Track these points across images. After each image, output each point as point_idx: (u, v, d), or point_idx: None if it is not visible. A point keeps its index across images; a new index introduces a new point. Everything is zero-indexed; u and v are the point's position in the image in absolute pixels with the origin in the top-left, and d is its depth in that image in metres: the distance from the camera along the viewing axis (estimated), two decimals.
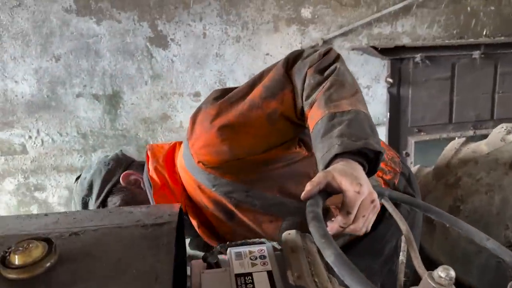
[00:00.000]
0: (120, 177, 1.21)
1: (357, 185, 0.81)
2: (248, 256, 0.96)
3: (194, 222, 1.19)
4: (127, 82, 2.49)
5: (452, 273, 0.77)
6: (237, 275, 0.89)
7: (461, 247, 1.45)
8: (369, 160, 0.93)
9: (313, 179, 0.83)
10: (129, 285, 0.61)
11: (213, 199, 1.13)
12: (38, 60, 2.40)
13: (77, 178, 1.26)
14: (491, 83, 2.69)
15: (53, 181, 2.60)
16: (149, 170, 1.15)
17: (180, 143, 1.21)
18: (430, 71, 2.60)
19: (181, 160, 1.14)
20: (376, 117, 2.74)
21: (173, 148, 1.22)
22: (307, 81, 1.00)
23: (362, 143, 0.88)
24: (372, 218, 0.85)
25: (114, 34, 2.44)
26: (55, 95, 2.45)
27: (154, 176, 1.14)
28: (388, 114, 2.62)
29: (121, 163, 1.24)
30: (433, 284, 0.77)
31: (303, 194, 0.81)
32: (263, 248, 0.98)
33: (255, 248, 0.98)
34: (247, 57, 2.61)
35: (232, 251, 0.97)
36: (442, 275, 0.76)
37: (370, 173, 0.95)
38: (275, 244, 1.00)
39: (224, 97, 1.07)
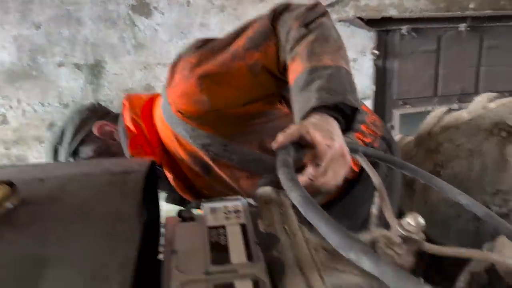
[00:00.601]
0: (94, 127, 1.18)
1: (328, 139, 0.81)
2: (222, 210, 0.95)
3: (169, 175, 1.18)
4: (109, 52, 2.44)
5: (421, 220, 0.77)
6: (210, 227, 0.89)
7: (440, 211, 1.47)
8: (346, 116, 0.92)
9: (286, 130, 0.82)
10: (91, 226, 0.60)
11: (190, 152, 1.12)
12: (17, 27, 2.34)
13: (50, 127, 1.22)
14: (477, 56, 2.69)
15: (35, 152, 2.57)
16: (125, 119, 1.12)
17: (159, 95, 1.18)
18: (416, 43, 2.58)
19: (159, 111, 1.12)
20: (362, 91, 2.73)
21: (152, 99, 1.19)
22: (291, 34, 0.98)
23: (339, 98, 0.87)
24: (342, 173, 0.85)
25: (96, 2, 2.38)
26: (36, 64, 2.40)
27: (131, 125, 1.11)
28: (374, 86, 2.61)
29: (96, 112, 1.21)
30: (402, 232, 0.77)
31: (274, 143, 0.80)
32: (238, 203, 0.97)
33: (230, 203, 0.97)
34: (232, 27, 2.56)
35: (206, 206, 0.97)
36: (411, 222, 0.77)
37: (346, 130, 0.94)
38: (250, 200, 0.99)
39: (206, 46, 1.04)
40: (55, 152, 1.18)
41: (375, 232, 0.83)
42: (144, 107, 1.16)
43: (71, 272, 0.53)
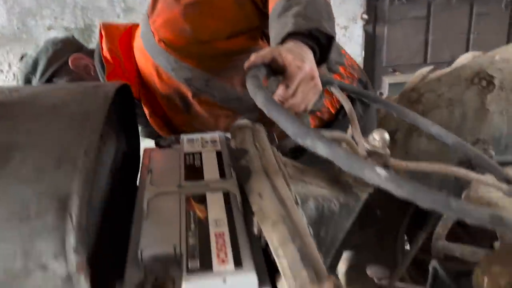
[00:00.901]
0: (68, 59, 1.18)
1: (299, 61, 0.83)
2: (200, 140, 0.98)
3: (147, 110, 1.19)
4: (99, 15, 2.44)
5: (386, 136, 0.79)
6: (186, 153, 0.91)
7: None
8: (321, 46, 0.94)
9: (259, 52, 0.84)
10: (60, 120, 0.62)
11: (170, 86, 1.12)
12: None
13: (22, 57, 1.21)
14: (467, 23, 2.70)
15: None
16: (102, 50, 1.13)
17: (137, 26, 1.18)
18: (406, 9, 2.58)
19: (139, 41, 1.11)
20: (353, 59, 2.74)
21: (130, 30, 1.18)
22: None
23: (314, 24, 0.89)
24: (311, 96, 0.87)
25: None
26: (25, 27, 2.40)
27: (108, 56, 1.11)
28: (363, 52, 2.62)
29: (71, 45, 1.21)
30: (368, 146, 0.80)
31: (246, 63, 0.82)
32: (215, 135, 1.00)
33: (207, 135, 1.00)
34: None
35: (184, 137, 0.99)
36: (376, 137, 0.79)
37: (322, 61, 0.96)
38: (228, 135, 1.01)
39: None
40: (28, 82, 1.17)
41: None
42: (122, 37, 1.15)
43: (38, 155, 0.56)
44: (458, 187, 1.47)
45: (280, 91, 0.84)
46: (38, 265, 0.49)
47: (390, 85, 2.70)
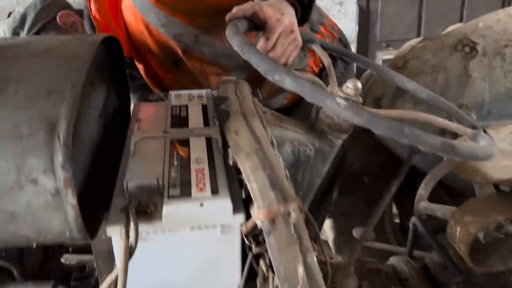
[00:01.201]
0: (56, 15, 1.21)
1: (279, 14, 0.87)
2: (187, 95, 1.03)
3: (140, 66, 1.23)
4: None
5: (359, 85, 0.84)
6: (173, 106, 0.97)
7: None
8: (303, 5, 0.98)
9: (240, 5, 0.88)
10: (50, 60, 0.67)
11: (160, 43, 1.16)
12: None
13: (10, 14, 1.24)
14: None
15: None
16: (91, 10, 1.16)
17: None
18: None
19: (128, 1, 1.15)
20: (348, 35, 2.76)
21: None
22: None
23: None
24: (291, 50, 0.91)
25: None
26: (24, 1, 2.43)
27: (98, 16, 1.15)
28: (357, 27, 2.65)
29: (60, 3, 1.24)
30: (342, 94, 0.84)
31: (227, 15, 0.86)
32: (202, 91, 1.05)
33: (194, 91, 1.05)
34: None
35: (172, 92, 1.04)
36: (350, 86, 0.84)
37: (303, 20, 1.00)
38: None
39: None
40: (16, 35, 1.21)
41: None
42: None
43: (30, 87, 0.61)
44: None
45: (260, 44, 0.88)
46: (30, 180, 0.55)
47: (384, 60, 2.73)
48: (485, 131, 0.81)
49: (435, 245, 1.20)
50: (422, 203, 1.47)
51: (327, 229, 2.00)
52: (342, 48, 1.10)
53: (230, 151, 0.69)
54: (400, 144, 1.61)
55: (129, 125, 0.93)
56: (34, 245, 0.61)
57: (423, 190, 1.48)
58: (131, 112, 1.00)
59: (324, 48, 1.05)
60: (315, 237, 0.71)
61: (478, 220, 1.02)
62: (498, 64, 1.45)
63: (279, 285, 0.63)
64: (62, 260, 0.93)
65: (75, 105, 0.59)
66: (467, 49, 1.45)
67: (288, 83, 0.60)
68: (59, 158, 0.55)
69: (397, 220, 2.14)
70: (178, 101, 0.99)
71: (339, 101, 0.58)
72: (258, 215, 0.60)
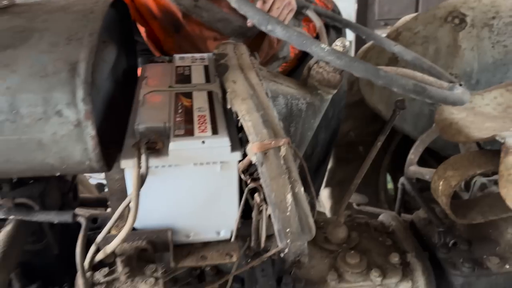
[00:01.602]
0: None
1: None
2: (190, 58, 1.11)
3: (142, 30, 1.32)
4: None
5: (346, 43, 0.92)
6: (178, 66, 1.05)
7: (397, 96, 1.61)
8: None
9: None
10: (68, 15, 0.76)
11: (162, 6, 1.24)
12: None
13: None
14: None
15: None
16: None
17: None
18: None
19: None
20: (347, 14, 2.82)
21: None
22: None
23: None
24: (286, 13, 0.99)
25: None
26: None
27: None
28: (356, 5, 2.70)
29: None
30: None
31: None
32: (204, 55, 1.13)
33: (197, 55, 1.13)
34: None
35: (177, 56, 1.12)
36: (338, 43, 0.91)
37: None
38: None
39: None
40: None
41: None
42: None
43: (52, 35, 0.70)
44: (430, 121, 1.60)
45: (257, 5, 0.96)
46: (55, 112, 0.64)
47: None
48: (461, 85, 0.88)
49: (420, 200, 1.28)
50: (412, 167, 1.56)
51: (324, 198, 2.09)
52: (334, 14, 1.18)
53: (228, 96, 0.77)
54: (405, 120, 1.67)
55: (136, 85, 1.02)
56: (57, 174, 0.70)
57: (413, 154, 1.57)
58: (139, 73, 1.09)
59: (318, 14, 1.13)
60: (304, 178, 0.80)
61: (458, 174, 1.11)
62: (486, 35, 1.52)
63: (271, 212, 0.72)
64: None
65: (92, 50, 0.67)
66: (456, 20, 1.52)
67: (279, 32, 0.69)
68: (80, 93, 0.63)
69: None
70: (182, 62, 1.07)
71: (323, 46, 0.66)
72: (252, 148, 0.69)
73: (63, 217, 0.75)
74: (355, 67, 0.66)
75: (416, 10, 2.80)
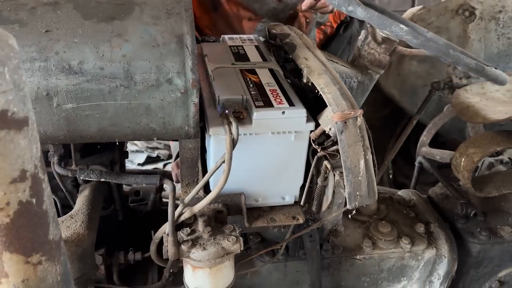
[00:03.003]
0: None
1: None
2: (239, 38, 1.17)
3: None
4: None
5: None
6: (230, 46, 1.11)
7: (410, 81, 1.72)
8: None
9: None
10: None
11: None
12: None
13: None
14: None
15: None
16: None
17: None
18: None
19: None
20: None
21: None
22: None
23: None
24: None
25: None
26: None
27: None
28: None
29: None
30: (383, 34, 1.01)
31: None
32: (250, 36, 1.19)
33: (244, 36, 1.19)
34: None
35: (225, 36, 1.18)
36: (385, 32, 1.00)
37: None
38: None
39: None
40: None
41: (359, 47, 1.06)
42: None
43: (152, 9, 0.75)
44: (439, 106, 1.72)
45: None
46: (166, 79, 0.69)
47: None
48: (496, 68, 0.99)
49: (438, 176, 1.40)
50: (424, 148, 1.68)
51: None
52: (370, 1, 1.26)
53: (304, 72, 0.84)
54: (404, 97, 1.80)
55: None
56: (155, 139, 0.75)
57: (425, 137, 1.69)
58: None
59: None
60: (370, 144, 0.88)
61: (480, 151, 1.22)
62: (493, 27, 1.64)
63: (344, 175, 0.80)
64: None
65: (192, 24, 0.73)
66: (466, 13, 1.63)
67: (360, 12, 0.76)
68: (189, 63, 0.69)
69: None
70: (233, 42, 1.13)
71: (402, 27, 0.74)
72: (333, 117, 0.76)
73: (151, 180, 0.81)
74: (429, 46, 0.75)
75: (413, 3, 2.93)
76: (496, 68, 1.02)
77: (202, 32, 1.40)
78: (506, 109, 1.32)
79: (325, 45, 1.47)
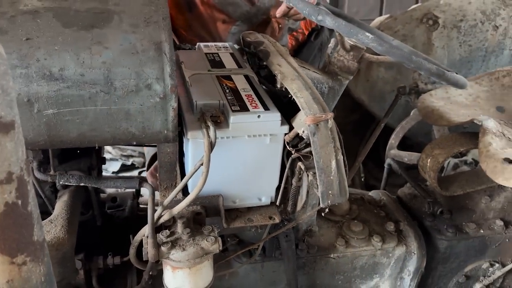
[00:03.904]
0: None
1: None
2: (214, 46, 1.20)
3: None
4: None
5: None
6: (206, 53, 1.14)
7: (378, 87, 1.80)
8: None
9: None
10: (131, 1, 0.83)
11: None
12: None
13: None
14: None
15: None
16: None
17: None
18: None
19: None
20: None
21: None
22: None
23: None
24: None
25: None
26: None
27: None
28: None
29: None
30: (351, 42, 1.06)
31: None
32: (226, 44, 1.23)
33: (219, 44, 1.23)
34: None
35: (200, 44, 1.21)
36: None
37: None
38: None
39: None
40: None
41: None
42: None
43: (130, 17, 0.77)
44: (406, 111, 1.79)
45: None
46: (145, 85, 0.72)
47: None
48: (456, 73, 1.05)
49: (406, 176, 1.47)
50: (392, 151, 1.75)
51: None
52: (340, 11, 1.31)
53: (278, 78, 0.88)
54: (373, 102, 1.87)
55: None
56: (134, 143, 0.78)
57: (393, 140, 1.76)
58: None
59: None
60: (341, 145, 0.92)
61: (444, 152, 1.29)
62: (455, 35, 1.73)
63: (317, 175, 0.84)
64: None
65: (170, 32, 0.76)
66: (430, 22, 1.72)
67: (329, 21, 0.81)
68: (167, 69, 0.72)
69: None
70: (209, 50, 1.17)
71: (368, 35, 0.79)
72: (306, 120, 0.81)
73: (131, 184, 0.83)
74: (393, 53, 0.80)
75: (381, 12, 3.04)
76: (456, 73, 1.10)
77: (177, 32, 1.43)
78: (468, 112, 1.40)
79: (297, 51, 1.53)
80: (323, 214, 0.97)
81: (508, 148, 1.13)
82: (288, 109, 0.90)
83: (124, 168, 2.66)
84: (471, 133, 1.34)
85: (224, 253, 1.07)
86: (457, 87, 0.93)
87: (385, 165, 1.62)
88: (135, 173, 2.65)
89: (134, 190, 1.22)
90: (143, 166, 2.65)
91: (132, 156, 2.72)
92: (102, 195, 1.25)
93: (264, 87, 1.00)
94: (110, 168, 2.62)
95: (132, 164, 2.69)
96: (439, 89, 1.50)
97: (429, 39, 1.73)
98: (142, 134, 0.76)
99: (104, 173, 2.41)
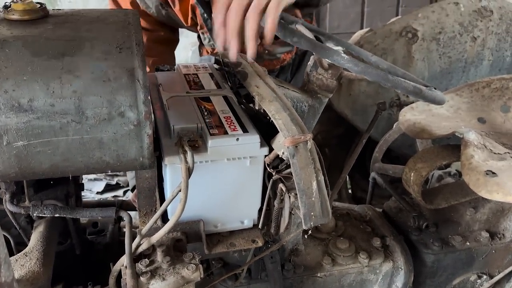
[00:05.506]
0: None
1: None
2: (193, 66, 1.20)
3: None
4: None
5: None
6: (185, 74, 1.13)
7: (360, 101, 1.80)
8: None
9: None
10: (108, 26, 0.82)
11: None
12: None
13: None
14: None
15: None
16: None
17: None
18: None
19: None
20: None
21: None
22: None
23: None
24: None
25: None
26: None
27: None
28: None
29: None
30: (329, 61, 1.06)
31: None
32: (206, 64, 1.22)
33: (198, 64, 1.22)
34: None
35: (179, 64, 1.20)
36: None
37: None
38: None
39: None
40: None
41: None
42: None
43: (102, 44, 0.76)
44: (389, 124, 1.80)
45: None
46: (118, 113, 0.70)
47: None
48: (435, 89, 1.06)
49: (391, 190, 1.46)
50: (377, 164, 1.75)
51: None
52: (317, 28, 1.32)
53: (256, 99, 0.87)
54: (356, 116, 1.87)
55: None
56: (109, 172, 0.76)
57: (377, 153, 1.76)
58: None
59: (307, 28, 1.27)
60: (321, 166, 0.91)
61: (427, 165, 1.29)
62: (435, 47, 1.75)
63: (298, 198, 0.83)
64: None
65: (143, 58, 0.75)
66: (409, 35, 1.74)
67: (304, 42, 0.81)
68: (141, 96, 0.71)
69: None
70: (188, 70, 1.16)
71: (343, 55, 0.79)
72: (285, 142, 0.80)
73: (107, 213, 0.80)
74: (369, 73, 0.80)
75: (361, 25, 3.08)
76: (435, 88, 1.10)
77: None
78: (450, 124, 1.41)
79: (278, 73, 1.53)
80: (306, 236, 0.95)
81: (490, 160, 1.13)
82: (268, 129, 0.89)
83: (109, 188, 2.62)
84: (453, 146, 1.34)
85: (210, 277, 1.04)
86: (435, 103, 0.93)
87: (370, 179, 1.62)
88: (120, 192, 2.61)
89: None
90: (128, 185, 2.62)
91: (116, 175, 2.69)
92: (83, 220, 1.22)
93: (243, 107, 1.00)
94: (95, 188, 2.58)
95: (117, 184, 2.66)
96: (420, 102, 1.50)
97: (409, 52, 1.75)
98: (117, 162, 0.74)
99: (88, 194, 2.37)
